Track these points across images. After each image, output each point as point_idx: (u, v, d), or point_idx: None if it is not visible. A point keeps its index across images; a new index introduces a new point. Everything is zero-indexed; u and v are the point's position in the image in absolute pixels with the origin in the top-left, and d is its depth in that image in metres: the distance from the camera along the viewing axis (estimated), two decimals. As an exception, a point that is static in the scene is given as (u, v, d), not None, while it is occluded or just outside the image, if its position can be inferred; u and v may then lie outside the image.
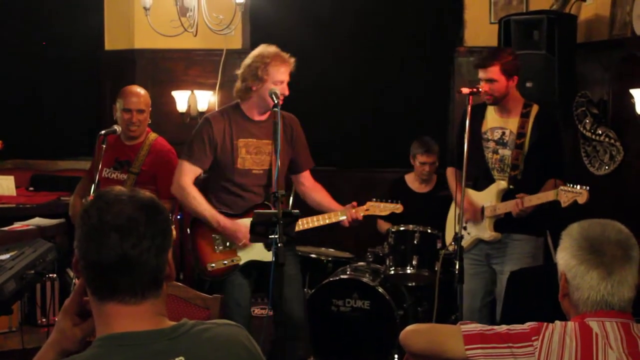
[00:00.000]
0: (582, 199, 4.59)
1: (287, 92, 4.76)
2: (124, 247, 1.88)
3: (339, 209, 4.87)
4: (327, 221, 4.84)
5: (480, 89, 4.88)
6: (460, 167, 5.00)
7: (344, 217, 4.81)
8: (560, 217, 4.90)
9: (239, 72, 4.87)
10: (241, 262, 4.82)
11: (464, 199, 4.77)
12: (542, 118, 5.01)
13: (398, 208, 4.95)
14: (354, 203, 4.86)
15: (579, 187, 4.61)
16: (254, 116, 4.86)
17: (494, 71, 4.90)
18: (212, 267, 4.84)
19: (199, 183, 4.91)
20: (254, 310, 5.91)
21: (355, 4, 7.64)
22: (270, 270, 4.38)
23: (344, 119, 7.57)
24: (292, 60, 4.79)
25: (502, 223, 5.03)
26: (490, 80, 4.91)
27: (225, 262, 4.82)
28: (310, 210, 4.97)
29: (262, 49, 4.83)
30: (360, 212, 4.82)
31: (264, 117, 4.83)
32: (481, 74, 4.95)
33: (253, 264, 4.80)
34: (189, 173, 4.81)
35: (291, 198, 5.92)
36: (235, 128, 4.82)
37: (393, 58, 7.75)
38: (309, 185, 5.03)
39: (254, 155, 4.82)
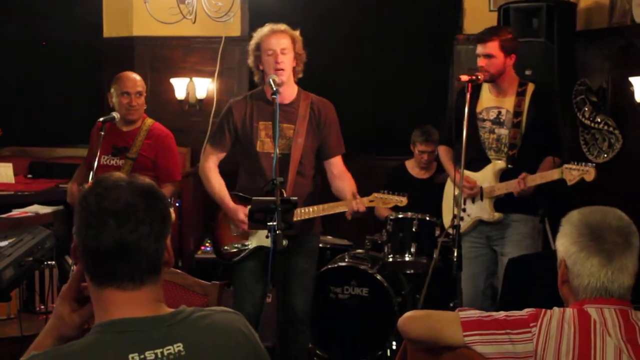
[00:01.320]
0: (589, 177, 4.56)
1: (280, 61, 4.67)
2: (122, 233, 1.88)
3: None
4: (329, 211, 4.82)
5: (479, 76, 4.87)
6: (451, 145, 5.02)
7: (344, 209, 4.79)
8: (558, 200, 4.91)
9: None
10: (251, 247, 4.84)
11: (457, 176, 4.76)
12: (538, 96, 5.00)
13: (402, 201, 4.90)
14: (355, 193, 4.79)
15: (585, 164, 4.59)
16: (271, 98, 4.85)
17: (493, 47, 4.90)
18: (226, 249, 4.90)
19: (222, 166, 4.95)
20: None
21: (354, -7, 7.63)
22: (277, 258, 4.39)
23: (345, 107, 7.52)
24: (287, 29, 4.75)
25: (501, 203, 5.02)
26: (488, 56, 4.91)
27: (237, 245, 4.87)
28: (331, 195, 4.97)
29: (261, 28, 4.84)
30: (364, 203, 4.80)
31: (286, 101, 4.77)
32: (480, 49, 4.95)
33: (263, 251, 4.80)
34: (210, 156, 4.93)
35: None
36: (257, 111, 4.82)
37: (393, 46, 7.74)
38: (336, 173, 4.96)
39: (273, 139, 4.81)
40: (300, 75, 4.86)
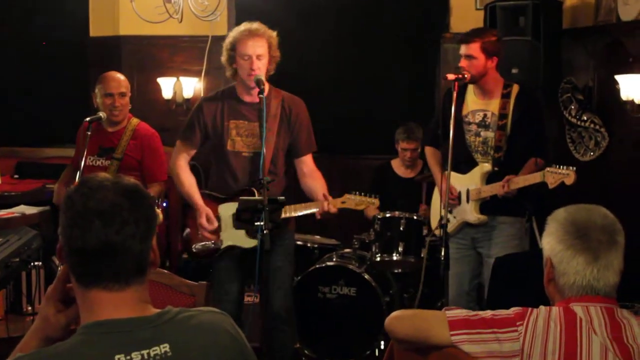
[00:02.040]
0: (569, 180, 4.59)
1: (255, 68, 4.63)
2: (107, 233, 1.88)
3: (321, 198, 4.83)
4: (300, 212, 4.79)
5: (465, 75, 4.88)
6: (437, 146, 5.03)
7: (315, 210, 4.77)
8: (544, 199, 4.93)
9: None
10: (222, 246, 4.81)
11: (443, 183, 4.78)
12: (523, 97, 5.01)
13: (374, 202, 4.87)
14: (326, 192, 4.78)
15: (565, 168, 4.62)
16: (244, 97, 4.82)
17: (474, 48, 4.90)
18: (198, 248, 4.86)
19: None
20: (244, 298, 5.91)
21: (342, -10, 7.63)
22: (253, 257, 4.38)
23: (331, 106, 7.55)
24: (264, 32, 4.71)
25: (487, 205, 5.03)
26: (469, 57, 4.92)
27: (208, 244, 4.83)
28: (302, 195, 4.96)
29: (237, 27, 4.82)
30: (335, 204, 4.78)
31: (256, 99, 4.68)
32: (462, 50, 4.96)
33: (236, 250, 4.79)
34: (181, 152, 4.92)
35: None
36: (228, 109, 4.80)
37: (379, 44, 7.74)
38: (306, 171, 4.93)
39: (244, 138, 4.77)
40: (272, 72, 4.81)
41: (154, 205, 2.00)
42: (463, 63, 4.93)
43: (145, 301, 1.97)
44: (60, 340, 1.94)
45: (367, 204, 4.86)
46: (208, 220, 4.76)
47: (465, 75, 4.88)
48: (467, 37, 4.96)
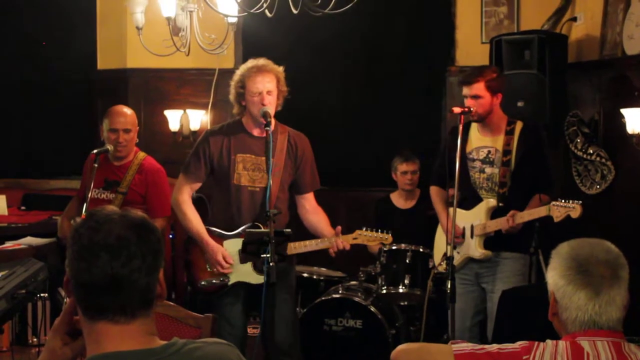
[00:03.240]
0: (575, 214, 4.59)
1: (267, 103, 4.64)
2: (113, 267, 1.88)
3: (330, 234, 4.82)
4: (312, 248, 4.80)
5: (472, 108, 4.90)
6: (443, 185, 5.03)
7: (325, 246, 4.77)
8: (550, 234, 4.92)
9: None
10: (230, 282, 4.80)
11: (449, 221, 4.78)
12: (526, 133, 5.03)
13: (387, 239, 4.88)
14: (339, 228, 4.78)
15: (571, 202, 4.62)
16: (253, 131, 4.81)
17: (479, 87, 4.93)
18: (203, 284, 4.84)
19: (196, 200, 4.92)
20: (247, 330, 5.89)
21: (347, 24, 7.62)
22: (258, 291, 4.37)
23: (336, 139, 7.56)
24: (272, 68, 4.72)
25: (492, 241, 5.03)
26: (475, 97, 4.93)
27: (215, 280, 4.81)
28: (306, 232, 4.96)
29: (244, 64, 4.83)
30: (347, 241, 4.78)
31: (264, 134, 4.69)
32: (466, 91, 4.97)
33: (242, 285, 4.78)
34: (184, 187, 4.87)
35: None
36: (234, 143, 4.79)
37: (385, 78, 7.75)
38: (309, 208, 4.94)
39: (250, 172, 4.76)
40: (280, 109, 4.82)
41: (161, 239, 2.00)
42: (470, 103, 4.93)
43: (152, 333, 1.97)
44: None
45: (379, 239, 4.86)
46: (224, 258, 4.74)
47: (472, 109, 4.90)
48: (470, 78, 4.98)
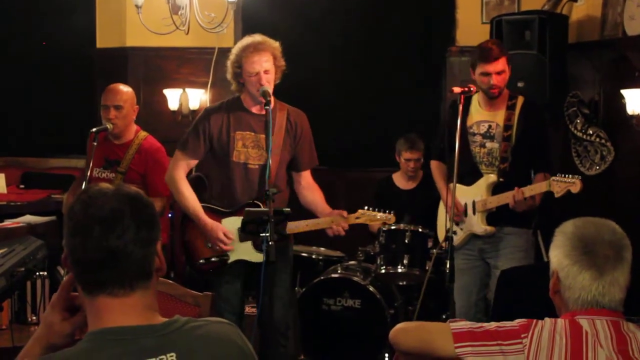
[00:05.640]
0: (575, 188, 4.58)
1: (265, 83, 4.59)
2: (108, 239, 1.89)
3: (328, 211, 4.81)
4: (313, 228, 4.79)
5: (471, 88, 4.88)
6: (444, 160, 5.03)
7: (326, 226, 4.75)
8: (550, 211, 4.92)
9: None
10: (229, 260, 4.78)
11: (449, 197, 4.78)
12: (528, 109, 5.02)
13: (390, 219, 4.86)
14: (344, 213, 4.76)
15: (571, 176, 4.61)
16: (251, 109, 4.77)
17: (504, 62, 4.91)
18: (202, 262, 4.82)
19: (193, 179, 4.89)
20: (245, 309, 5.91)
21: (347, 3, 7.64)
22: (257, 270, 4.37)
23: (336, 119, 7.56)
24: (268, 45, 4.66)
25: (494, 217, 5.02)
26: (500, 72, 4.90)
27: (214, 258, 4.78)
28: (302, 208, 4.96)
29: (240, 41, 4.79)
30: (350, 220, 4.76)
31: (263, 111, 4.67)
32: (489, 68, 4.89)
33: (241, 263, 4.77)
34: (181, 164, 4.80)
35: None
36: (234, 120, 4.75)
37: (385, 58, 7.75)
38: (305, 185, 4.93)
39: (250, 149, 4.73)
40: (278, 82, 4.76)
41: (155, 212, 2.00)
42: (495, 80, 4.88)
43: (153, 309, 1.97)
44: (64, 348, 1.95)
45: (382, 219, 4.85)
46: (226, 235, 4.72)
47: (472, 89, 4.89)
48: (496, 54, 4.89)
